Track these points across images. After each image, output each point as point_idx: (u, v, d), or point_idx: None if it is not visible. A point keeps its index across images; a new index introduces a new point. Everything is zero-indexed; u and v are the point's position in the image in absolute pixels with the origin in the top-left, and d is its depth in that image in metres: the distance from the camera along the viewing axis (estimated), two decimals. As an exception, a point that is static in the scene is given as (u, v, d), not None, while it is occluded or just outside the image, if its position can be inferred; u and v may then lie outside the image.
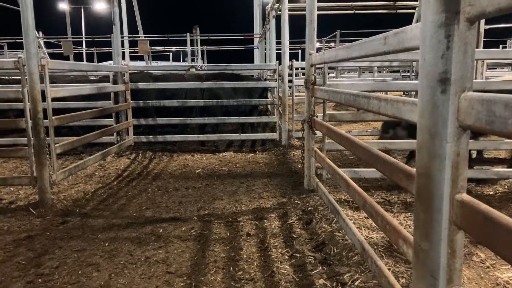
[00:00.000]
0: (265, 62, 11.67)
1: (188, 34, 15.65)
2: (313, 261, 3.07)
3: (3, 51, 18.44)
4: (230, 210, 4.31)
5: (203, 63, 17.98)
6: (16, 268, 3.09)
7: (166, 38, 16.28)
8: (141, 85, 7.44)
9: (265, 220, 3.96)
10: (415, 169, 1.56)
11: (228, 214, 4.17)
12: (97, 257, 3.26)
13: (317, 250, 3.24)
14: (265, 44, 12.10)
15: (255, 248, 3.35)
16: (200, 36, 18.34)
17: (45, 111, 4.50)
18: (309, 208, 4.13)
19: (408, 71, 12.30)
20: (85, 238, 3.65)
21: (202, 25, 19.13)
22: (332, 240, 3.35)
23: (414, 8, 9.76)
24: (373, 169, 4.23)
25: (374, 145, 4.14)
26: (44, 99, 4.52)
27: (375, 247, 3.12)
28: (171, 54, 21.04)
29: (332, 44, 20.17)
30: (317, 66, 4.47)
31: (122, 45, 9.49)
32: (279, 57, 8.39)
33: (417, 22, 4.66)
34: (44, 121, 4.47)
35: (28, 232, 3.78)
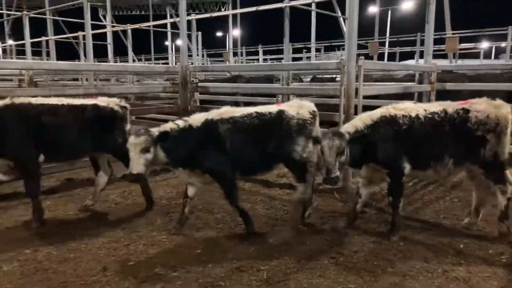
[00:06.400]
0: None
1: (509, 27, 13.25)
2: None
3: (320, 54, 21.54)
4: (557, 245, 3.41)
5: (523, 60, 14.88)
6: (323, 243, 3.56)
7: (480, 33, 14.43)
8: (448, 85, 6.94)
9: None
10: None
11: (553, 250, 3.32)
12: (391, 254, 3.31)
13: None
14: None
15: None
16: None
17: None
18: None
19: None
20: (379, 232, 3.78)
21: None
22: None
23: None
24: None
25: None
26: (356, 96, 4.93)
27: None
28: (482, 51, 18.45)
29: None
30: None
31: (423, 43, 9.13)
32: None
33: None
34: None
35: (333, 212, 4.31)
